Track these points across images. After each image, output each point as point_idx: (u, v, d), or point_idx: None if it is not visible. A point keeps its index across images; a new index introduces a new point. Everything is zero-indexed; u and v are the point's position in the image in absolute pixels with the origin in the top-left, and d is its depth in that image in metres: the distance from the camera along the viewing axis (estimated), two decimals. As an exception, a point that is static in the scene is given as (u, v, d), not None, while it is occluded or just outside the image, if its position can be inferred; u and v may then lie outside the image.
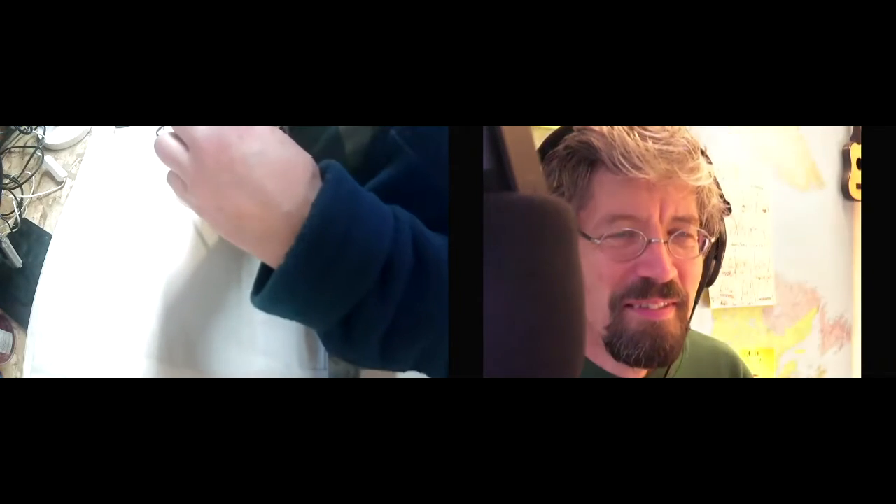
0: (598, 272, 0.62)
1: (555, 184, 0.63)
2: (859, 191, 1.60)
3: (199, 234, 0.70)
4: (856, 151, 1.65)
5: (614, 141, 0.60)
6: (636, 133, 0.60)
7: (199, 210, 0.48)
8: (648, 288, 0.61)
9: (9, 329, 0.87)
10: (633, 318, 0.62)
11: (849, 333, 1.71)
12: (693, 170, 0.61)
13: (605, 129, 0.61)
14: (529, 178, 0.41)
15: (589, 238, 0.61)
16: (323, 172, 0.47)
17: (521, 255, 0.38)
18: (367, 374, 0.93)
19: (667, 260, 0.60)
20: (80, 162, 0.91)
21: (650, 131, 0.60)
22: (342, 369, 0.75)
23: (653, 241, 0.60)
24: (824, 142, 1.65)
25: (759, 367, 1.49)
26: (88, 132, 0.93)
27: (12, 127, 0.95)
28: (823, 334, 1.67)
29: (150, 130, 0.56)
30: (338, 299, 0.45)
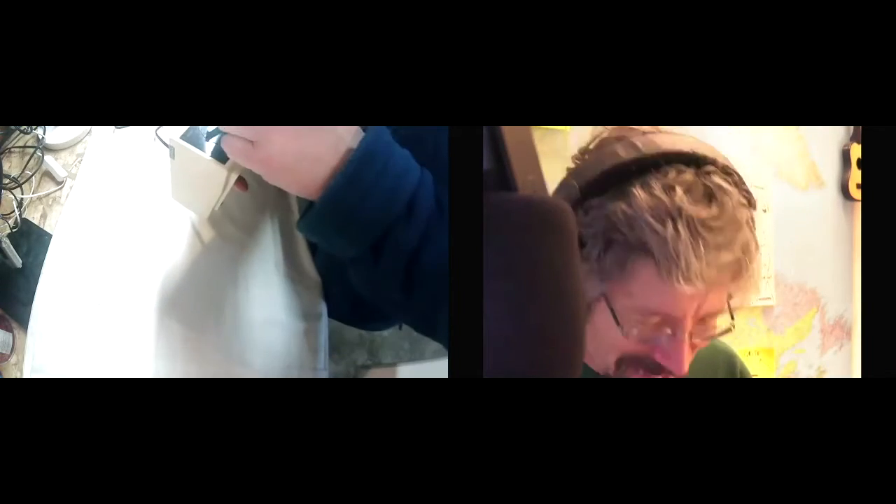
0: (614, 342, 0.60)
1: (592, 254, 0.58)
2: (859, 191, 1.60)
3: (199, 234, 0.70)
4: (856, 151, 1.65)
5: (677, 255, 0.55)
6: (700, 242, 0.55)
7: (264, 162, 0.54)
8: (660, 370, 0.60)
9: (9, 329, 0.87)
10: (636, 375, 0.62)
11: (849, 333, 1.71)
12: (743, 280, 0.58)
13: (668, 233, 0.55)
14: (529, 178, 0.41)
15: (615, 316, 0.59)
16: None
17: (521, 255, 0.38)
18: (367, 374, 0.93)
19: (686, 357, 0.59)
20: (80, 162, 0.91)
21: (714, 231, 0.56)
22: (342, 369, 0.75)
23: (678, 335, 0.58)
24: (824, 142, 1.65)
25: (759, 367, 1.49)
26: (88, 132, 0.93)
27: (12, 127, 0.95)
28: (823, 334, 1.67)
29: (150, 130, 0.56)
30: (372, 221, 0.52)
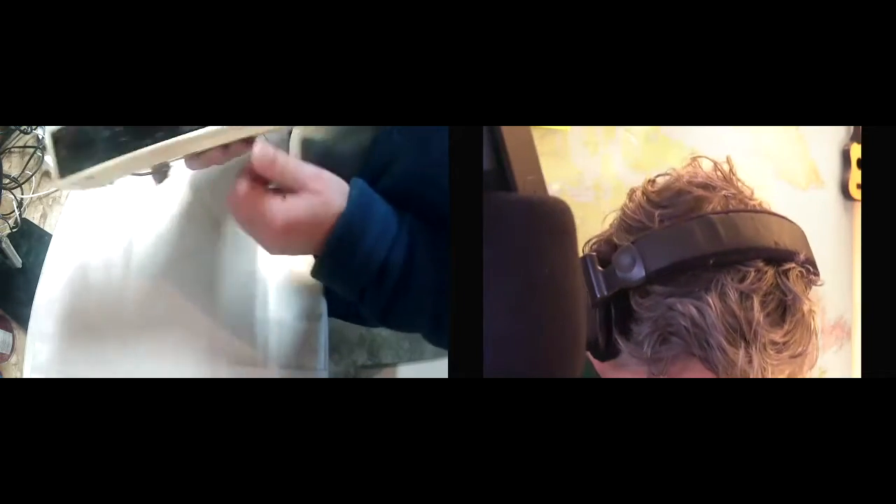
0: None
1: (643, 342, 0.56)
2: (859, 191, 1.60)
3: (199, 234, 0.70)
4: (856, 151, 1.65)
5: (745, 375, 0.53)
6: (768, 361, 0.53)
7: (267, 230, 0.58)
8: None
9: (9, 329, 0.87)
10: None
11: (849, 333, 1.71)
12: (808, 367, 0.57)
13: (740, 356, 0.52)
14: (529, 178, 0.41)
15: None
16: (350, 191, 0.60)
17: (521, 255, 0.38)
18: (366, 374, 0.93)
19: None
20: (80, 162, 0.90)
21: (780, 349, 0.54)
22: (342, 369, 0.75)
23: None
24: (824, 142, 1.65)
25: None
26: (88, 132, 0.93)
27: (12, 127, 0.95)
28: (823, 334, 1.67)
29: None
30: (351, 283, 0.61)
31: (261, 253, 0.72)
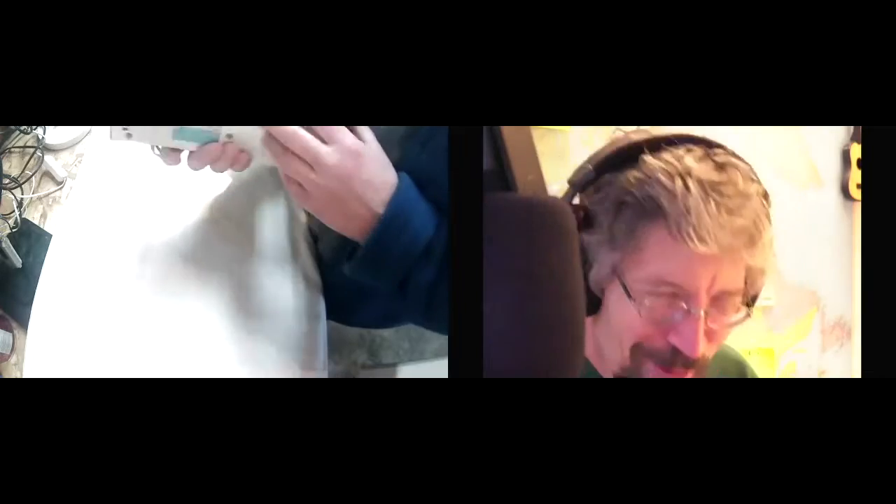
0: (629, 324, 0.59)
1: (604, 223, 0.59)
2: (859, 191, 1.60)
3: (199, 234, 0.70)
4: (856, 151, 1.65)
5: (688, 210, 0.55)
6: (712, 201, 0.55)
7: (315, 209, 0.64)
8: (674, 357, 0.59)
9: (9, 329, 0.87)
10: (650, 370, 0.60)
11: (849, 333, 1.71)
12: (757, 249, 0.58)
13: (678, 188, 0.55)
14: (529, 178, 0.41)
15: (626, 290, 0.58)
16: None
17: (520, 255, 0.38)
18: (366, 374, 0.93)
19: (701, 337, 0.57)
20: (80, 162, 0.91)
21: (725, 196, 0.56)
22: (342, 369, 0.75)
23: (692, 312, 0.57)
24: (824, 142, 1.65)
25: (759, 368, 1.49)
26: (88, 132, 0.93)
27: (12, 127, 0.95)
28: (823, 334, 1.67)
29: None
30: (395, 266, 0.64)
31: (262, 254, 0.72)
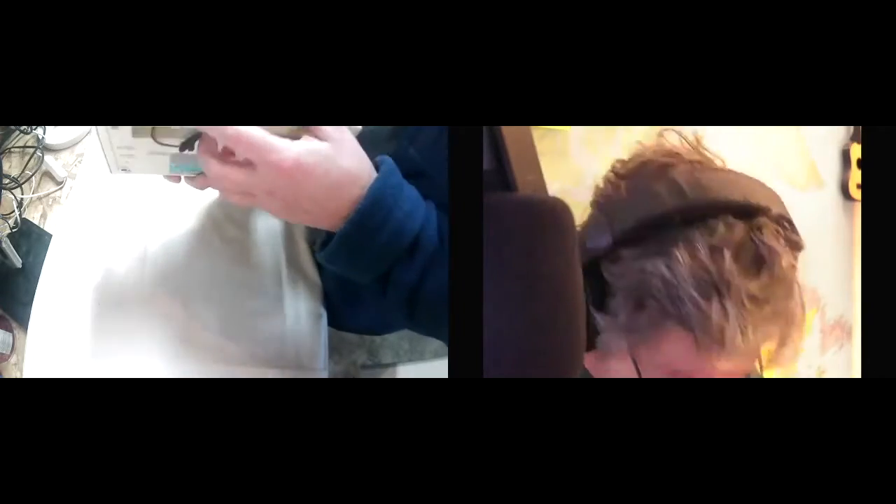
0: (629, 373, 0.57)
1: (619, 313, 0.53)
2: (859, 191, 1.60)
3: (199, 235, 0.70)
4: (856, 151, 1.65)
5: (722, 334, 0.50)
6: (749, 321, 0.50)
7: (274, 210, 0.57)
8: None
9: (9, 329, 0.87)
10: None
11: (849, 333, 1.71)
12: (786, 350, 0.55)
13: (714, 310, 0.50)
14: (529, 178, 0.41)
15: (637, 369, 0.56)
16: (377, 165, 0.58)
17: (520, 255, 0.38)
18: (366, 374, 0.93)
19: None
20: (80, 162, 0.91)
21: (762, 306, 0.50)
22: (342, 369, 0.75)
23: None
24: (824, 142, 1.65)
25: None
26: (88, 132, 0.93)
27: (12, 127, 0.95)
28: (823, 334, 1.66)
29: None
30: (376, 260, 0.57)
31: (262, 254, 0.72)
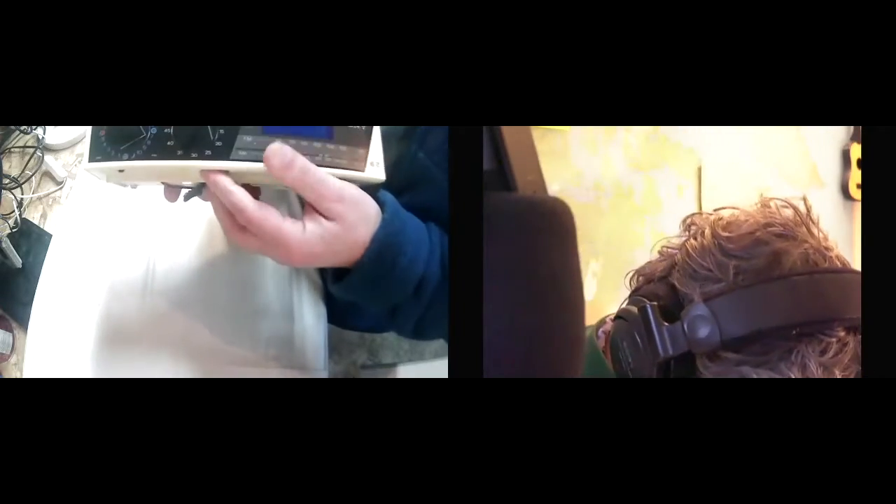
0: None
1: None
2: (859, 191, 1.60)
3: (199, 235, 0.70)
4: (856, 151, 1.65)
5: None
6: None
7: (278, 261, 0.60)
8: None
9: (9, 329, 0.87)
10: None
11: (849, 333, 1.71)
12: None
13: None
14: (529, 178, 0.41)
15: None
16: (381, 205, 0.58)
17: (521, 255, 0.38)
18: (366, 374, 0.93)
19: None
20: (80, 162, 0.91)
21: None
22: (342, 369, 0.75)
23: None
24: (824, 142, 1.65)
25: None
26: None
27: (12, 127, 0.95)
28: (823, 334, 1.66)
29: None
30: (385, 300, 0.62)
31: (264, 260, 0.72)
